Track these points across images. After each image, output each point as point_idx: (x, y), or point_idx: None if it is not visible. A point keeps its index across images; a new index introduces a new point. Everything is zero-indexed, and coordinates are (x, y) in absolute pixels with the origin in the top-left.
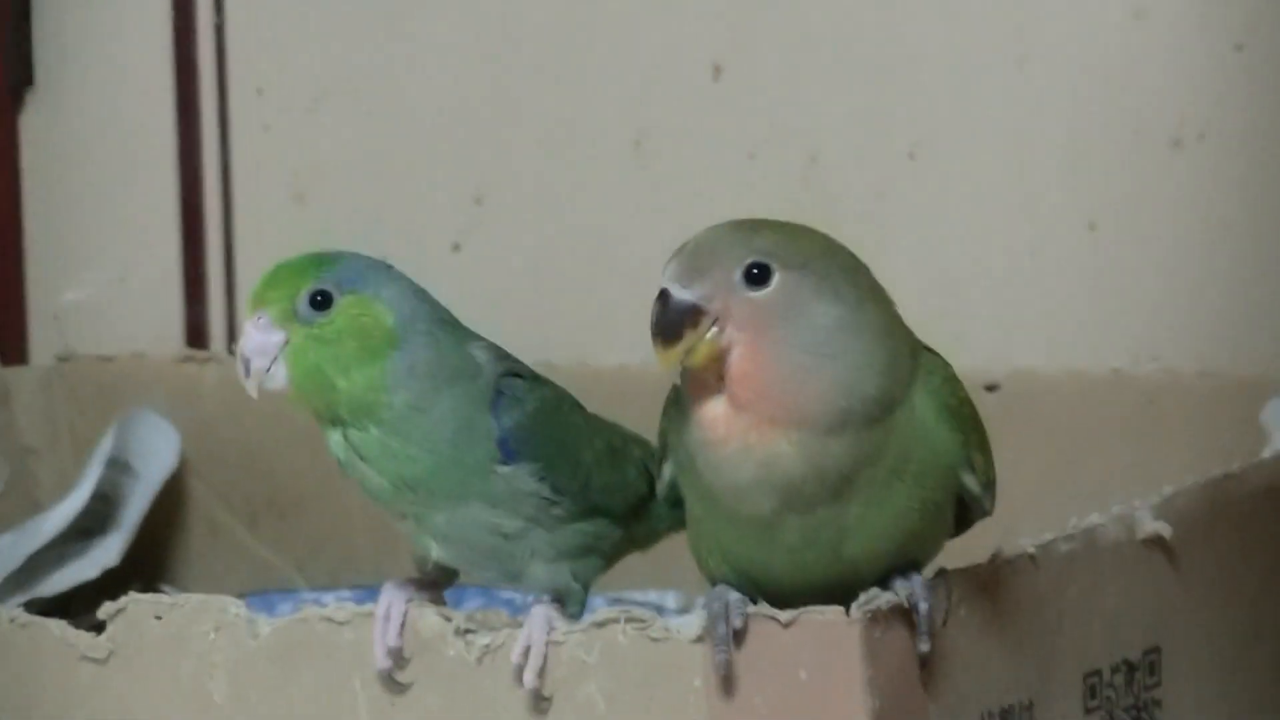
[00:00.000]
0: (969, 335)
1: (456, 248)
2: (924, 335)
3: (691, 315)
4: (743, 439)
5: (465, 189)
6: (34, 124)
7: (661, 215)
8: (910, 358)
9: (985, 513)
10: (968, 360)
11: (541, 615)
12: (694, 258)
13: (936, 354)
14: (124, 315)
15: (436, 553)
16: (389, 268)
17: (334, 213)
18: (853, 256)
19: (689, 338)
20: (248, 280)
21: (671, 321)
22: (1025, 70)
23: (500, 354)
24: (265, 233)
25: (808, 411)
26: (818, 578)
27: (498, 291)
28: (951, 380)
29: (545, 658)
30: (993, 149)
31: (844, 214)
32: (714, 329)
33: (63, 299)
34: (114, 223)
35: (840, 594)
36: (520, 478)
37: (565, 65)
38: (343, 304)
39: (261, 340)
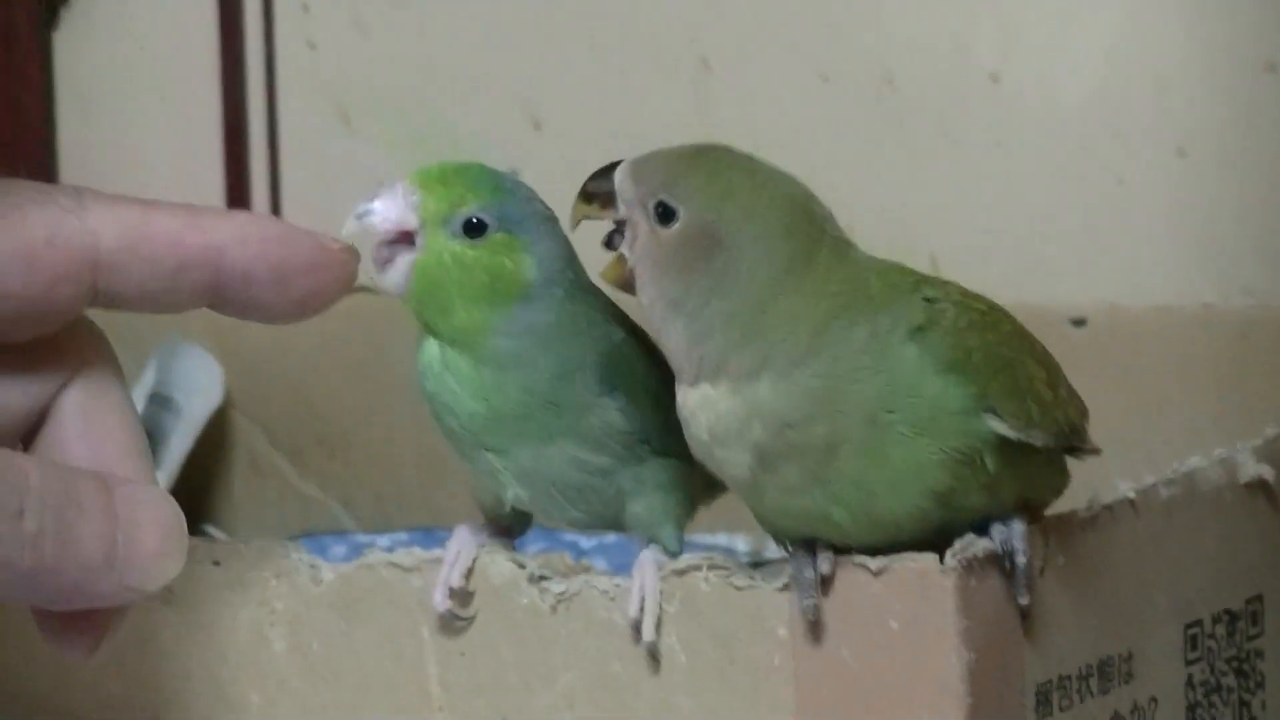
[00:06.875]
0: (1052, 267)
1: (514, 174)
2: (1005, 267)
3: (607, 198)
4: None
5: (522, 111)
6: (68, 42)
7: (730, 139)
8: (840, 308)
9: (1044, 445)
10: (1051, 294)
11: (652, 562)
12: (636, 165)
13: (945, 300)
14: None
15: (513, 494)
16: (554, 220)
17: (383, 135)
18: (804, 222)
19: (600, 213)
20: (294, 205)
21: (596, 186)
22: None
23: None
24: (312, 156)
25: (677, 364)
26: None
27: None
28: (956, 332)
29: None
30: (1078, 71)
31: (921, 139)
32: (625, 245)
33: None
34: (153, 146)
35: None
36: (611, 413)
37: None
38: (494, 239)
39: (400, 208)
